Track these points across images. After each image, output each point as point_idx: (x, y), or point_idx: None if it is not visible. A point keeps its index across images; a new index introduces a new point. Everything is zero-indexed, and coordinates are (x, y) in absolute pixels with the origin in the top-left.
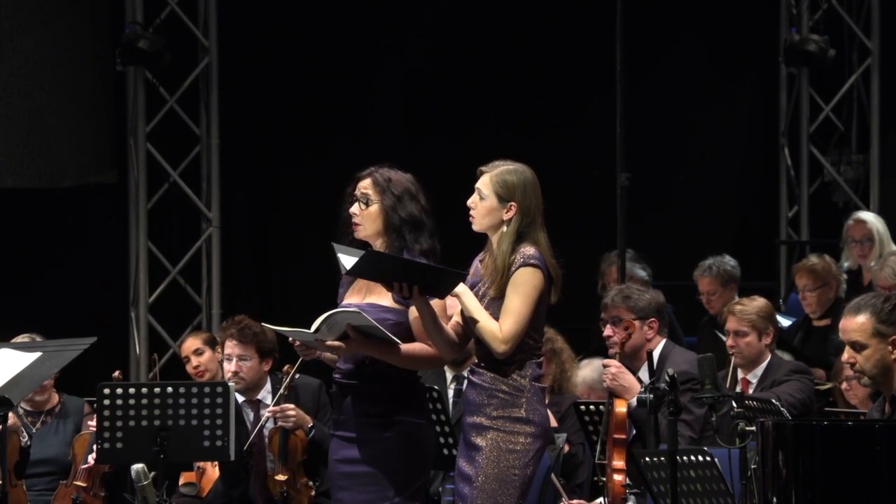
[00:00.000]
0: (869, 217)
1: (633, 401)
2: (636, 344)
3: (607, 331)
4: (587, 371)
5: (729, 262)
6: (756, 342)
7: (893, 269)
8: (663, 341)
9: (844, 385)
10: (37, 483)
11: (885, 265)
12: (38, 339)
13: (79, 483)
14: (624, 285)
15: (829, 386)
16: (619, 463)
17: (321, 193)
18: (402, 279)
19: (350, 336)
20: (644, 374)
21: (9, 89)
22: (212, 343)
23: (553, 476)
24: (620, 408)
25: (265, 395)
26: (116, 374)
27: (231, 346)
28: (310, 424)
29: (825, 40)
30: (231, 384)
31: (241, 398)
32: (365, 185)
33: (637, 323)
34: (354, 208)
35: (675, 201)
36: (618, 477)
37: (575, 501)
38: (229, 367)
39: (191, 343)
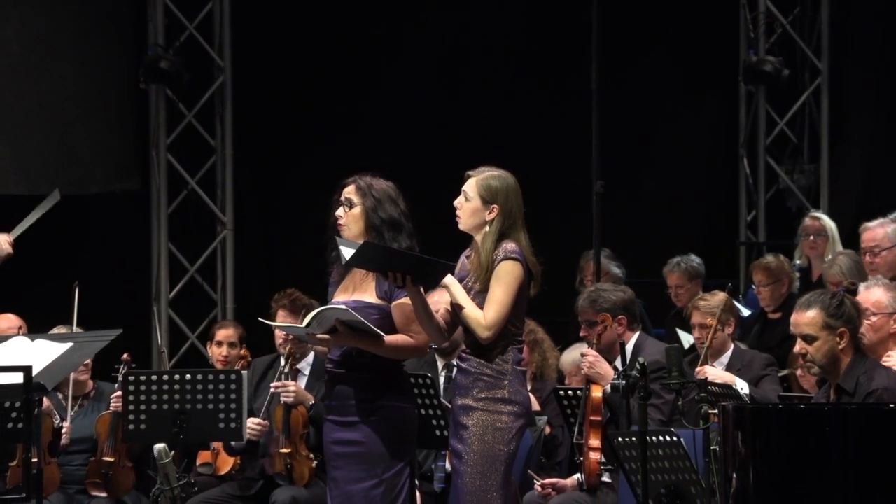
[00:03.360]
0: (824, 216)
1: (608, 387)
2: (609, 339)
3: (583, 331)
4: (575, 354)
5: (694, 259)
6: (720, 333)
7: (842, 267)
8: (637, 334)
9: (799, 372)
10: (74, 459)
11: (835, 263)
12: (80, 329)
13: (107, 458)
14: (593, 287)
15: (785, 373)
16: (594, 442)
17: (324, 199)
18: (396, 269)
19: (338, 330)
20: (619, 363)
21: (43, 105)
22: (242, 340)
23: (529, 471)
24: (596, 392)
25: (304, 366)
26: (125, 356)
27: (282, 317)
28: (311, 402)
29: (780, 61)
30: (244, 373)
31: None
32: (349, 191)
33: (609, 319)
34: (339, 211)
35: (646, 205)
36: (594, 455)
37: (548, 481)
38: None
39: (231, 332)
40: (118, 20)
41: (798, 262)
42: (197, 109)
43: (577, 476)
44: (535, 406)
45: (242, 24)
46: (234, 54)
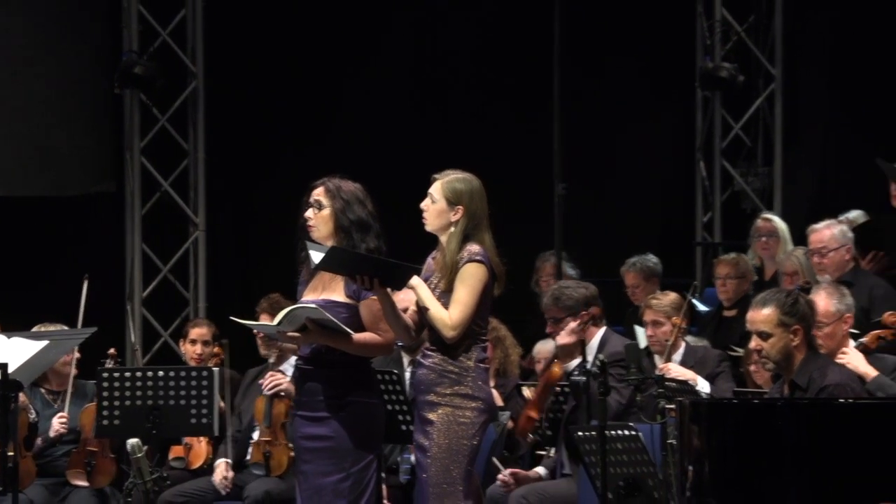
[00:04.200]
0: (775, 217)
1: (571, 364)
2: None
3: (549, 328)
4: (550, 344)
5: (651, 259)
6: (671, 330)
7: (799, 259)
8: (602, 330)
9: (753, 367)
10: (58, 450)
11: (792, 256)
12: (66, 328)
13: (90, 448)
14: (556, 286)
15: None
16: (532, 413)
17: (293, 201)
18: (364, 272)
19: (308, 328)
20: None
21: (21, 109)
22: (215, 339)
23: (494, 459)
24: (556, 369)
25: (287, 367)
26: (112, 350)
27: (264, 319)
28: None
29: (735, 68)
30: (215, 369)
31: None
32: (318, 193)
33: (569, 319)
34: (309, 213)
35: (606, 207)
36: (531, 413)
37: (510, 471)
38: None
39: (205, 331)
40: (94, 27)
41: (753, 261)
42: (170, 114)
43: (540, 468)
44: (499, 401)
45: (215, 31)
46: (206, 60)
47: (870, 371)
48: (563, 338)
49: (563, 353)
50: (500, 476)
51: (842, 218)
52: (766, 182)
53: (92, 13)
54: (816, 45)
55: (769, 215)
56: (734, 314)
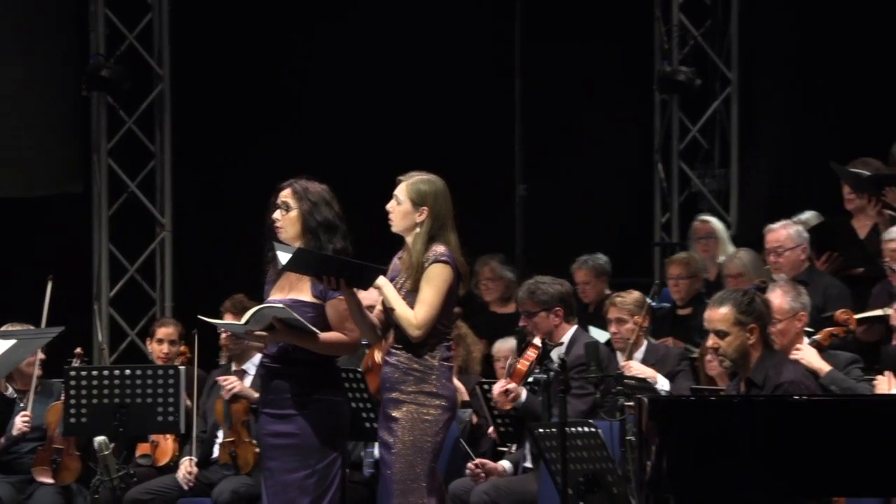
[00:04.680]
0: (712, 219)
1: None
2: (546, 330)
3: (522, 322)
4: (511, 342)
5: (601, 257)
6: (633, 326)
7: (742, 261)
8: (573, 328)
9: (708, 357)
10: (23, 447)
11: (735, 258)
12: (32, 328)
13: (56, 446)
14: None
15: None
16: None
17: (259, 201)
18: (330, 273)
19: (275, 327)
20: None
21: None
22: (181, 338)
23: (462, 441)
24: (525, 361)
25: (250, 366)
26: (78, 350)
27: (228, 319)
28: (255, 396)
29: (692, 71)
30: (181, 368)
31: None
32: (285, 194)
33: (543, 313)
34: (276, 214)
35: (566, 208)
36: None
37: (479, 461)
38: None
39: (172, 330)
40: (61, 30)
41: None
42: (137, 116)
43: (506, 462)
44: (465, 396)
45: (181, 35)
46: (172, 63)
47: (823, 366)
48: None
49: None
50: (470, 464)
51: (795, 219)
52: (722, 183)
53: (59, 16)
54: (771, 50)
55: (706, 217)
56: (688, 312)
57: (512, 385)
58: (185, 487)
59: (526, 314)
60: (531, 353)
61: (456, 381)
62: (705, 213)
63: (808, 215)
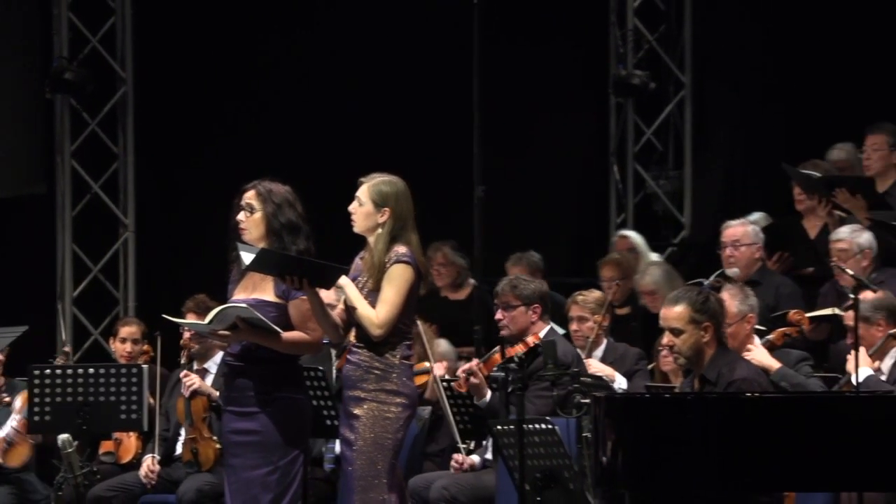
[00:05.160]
0: (631, 233)
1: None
2: (522, 325)
3: (498, 315)
4: (444, 346)
5: (535, 255)
6: (594, 325)
7: (654, 277)
8: (548, 327)
9: (663, 353)
10: None
11: (647, 274)
12: None
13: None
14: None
15: (651, 366)
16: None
17: (221, 202)
18: (293, 273)
19: (239, 326)
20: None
21: None
22: (144, 337)
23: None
24: (497, 356)
25: (212, 365)
26: (67, 349)
27: (192, 318)
28: (216, 394)
29: (647, 75)
30: (144, 367)
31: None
32: (249, 196)
33: (522, 308)
34: (241, 216)
35: (524, 209)
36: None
37: (460, 456)
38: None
39: (135, 329)
40: (25, 34)
41: None
42: (100, 118)
43: (475, 457)
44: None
45: (143, 38)
46: (135, 67)
47: (773, 364)
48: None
49: (513, 337)
50: (456, 457)
51: (744, 220)
52: (676, 185)
53: (23, 19)
54: (723, 53)
55: (625, 232)
56: (627, 312)
57: (477, 368)
58: (148, 486)
59: (504, 307)
60: (520, 347)
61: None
62: (624, 229)
63: (757, 216)
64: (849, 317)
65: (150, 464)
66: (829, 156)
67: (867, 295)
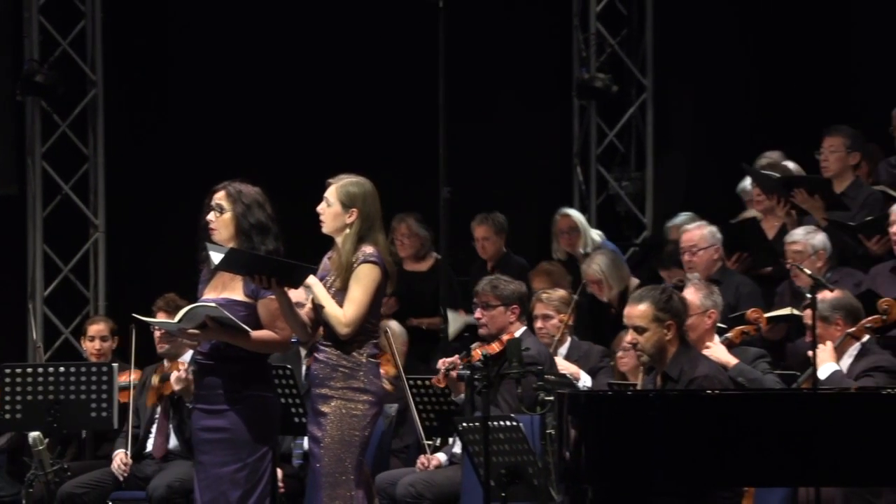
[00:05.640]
0: (573, 212)
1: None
2: (500, 325)
3: (477, 313)
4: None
5: (500, 216)
6: (559, 323)
7: (600, 266)
8: (523, 328)
9: (619, 353)
10: None
11: (593, 262)
12: None
13: None
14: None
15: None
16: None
17: (190, 203)
18: (262, 272)
19: (208, 325)
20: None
21: None
22: (113, 333)
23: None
24: (489, 350)
25: (187, 357)
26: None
27: (161, 317)
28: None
29: (609, 78)
30: (115, 365)
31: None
32: (219, 197)
33: (501, 308)
34: (211, 216)
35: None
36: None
37: (429, 457)
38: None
39: (102, 327)
40: None
41: (556, 255)
42: (71, 120)
43: (441, 455)
44: (387, 385)
45: (113, 41)
46: (105, 69)
47: (731, 360)
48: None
49: (492, 334)
50: (421, 459)
51: (700, 223)
52: (638, 186)
53: None
54: (684, 57)
55: (567, 211)
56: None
57: (458, 362)
58: (121, 479)
59: (484, 306)
60: (495, 346)
61: None
62: (565, 208)
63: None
64: (808, 315)
65: (122, 457)
66: (757, 163)
67: (826, 294)
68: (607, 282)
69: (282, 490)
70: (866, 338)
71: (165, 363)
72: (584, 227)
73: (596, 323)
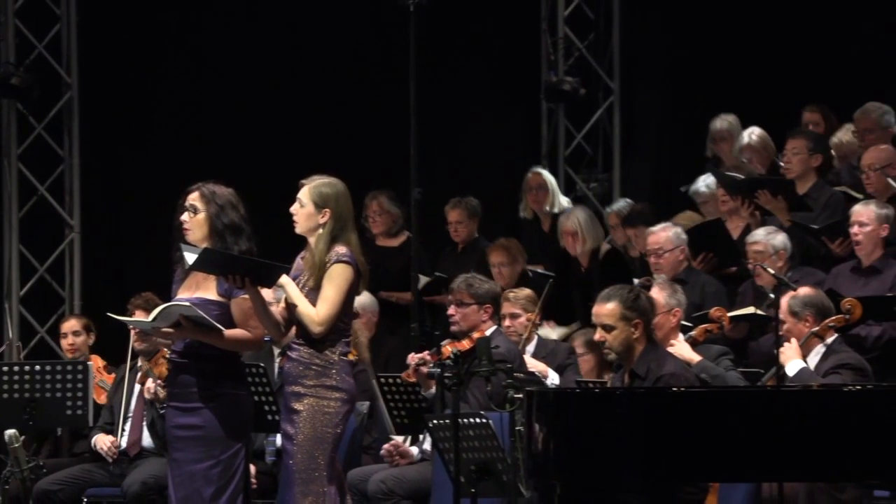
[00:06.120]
0: (543, 171)
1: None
2: (472, 323)
3: (451, 310)
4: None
5: (473, 200)
6: (526, 322)
7: (578, 218)
8: (494, 327)
9: (581, 352)
10: None
11: (571, 214)
12: None
13: None
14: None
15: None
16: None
17: (164, 204)
18: (235, 272)
19: (182, 324)
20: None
21: None
22: (88, 329)
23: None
24: (459, 346)
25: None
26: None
27: (138, 316)
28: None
29: (577, 81)
30: (90, 363)
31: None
32: (193, 197)
33: (475, 306)
34: (185, 216)
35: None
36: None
37: (394, 443)
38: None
39: (73, 323)
40: None
41: (523, 214)
42: (46, 122)
43: (414, 448)
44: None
45: (88, 44)
46: (80, 71)
47: (694, 357)
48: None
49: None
50: (386, 446)
51: (665, 225)
52: (605, 187)
53: None
54: (650, 61)
55: (538, 169)
56: None
57: (429, 358)
58: (110, 460)
59: (458, 303)
60: (466, 343)
61: None
62: (538, 166)
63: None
64: (782, 315)
65: (106, 441)
66: (712, 125)
67: (799, 291)
68: (582, 234)
69: (254, 486)
70: (834, 336)
71: (139, 361)
72: (554, 188)
73: (564, 281)
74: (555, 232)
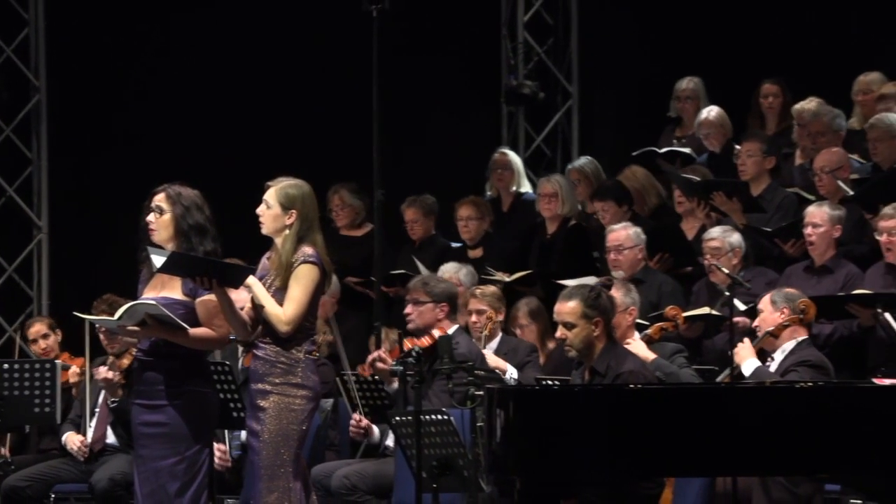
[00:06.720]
0: (510, 152)
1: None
2: (428, 321)
3: (408, 309)
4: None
5: (429, 197)
6: (487, 320)
7: (559, 182)
8: (455, 327)
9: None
10: None
11: (552, 177)
12: None
13: None
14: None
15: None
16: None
17: (131, 205)
18: (202, 274)
19: (148, 323)
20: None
21: None
22: (53, 328)
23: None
24: (409, 344)
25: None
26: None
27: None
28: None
29: (536, 85)
30: (58, 362)
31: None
32: (159, 199)
33: (431, 305)
34: (150, 217)
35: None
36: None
37: (358, 418)
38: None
39: (38, 328)
40: None
41: (489, 193)
42: (14, 125)
43: (376, 429)
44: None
45: (56, 48)
46: (48, 76)
47: (649, 355)
48: (415, 323)
49: (420, 330)
50: (353, 419)
51: (626, 224)
52: None
53: None
54: (607, 65)
55: (504, 150)
56: (479, 254)
57: (385, 356)
58: (81, 459)
59: (414, 302)
60: (425, 340)
61: None
62: (505, 147)
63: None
64: (761, 305)
65: (76, 441)
66: (678, 85)
67: (788, 288)
68: (562, 196)
69: (228, 464)
70: (803, 336)
71: (110, 359)
72: (519, 170)
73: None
74: (514, 212)
